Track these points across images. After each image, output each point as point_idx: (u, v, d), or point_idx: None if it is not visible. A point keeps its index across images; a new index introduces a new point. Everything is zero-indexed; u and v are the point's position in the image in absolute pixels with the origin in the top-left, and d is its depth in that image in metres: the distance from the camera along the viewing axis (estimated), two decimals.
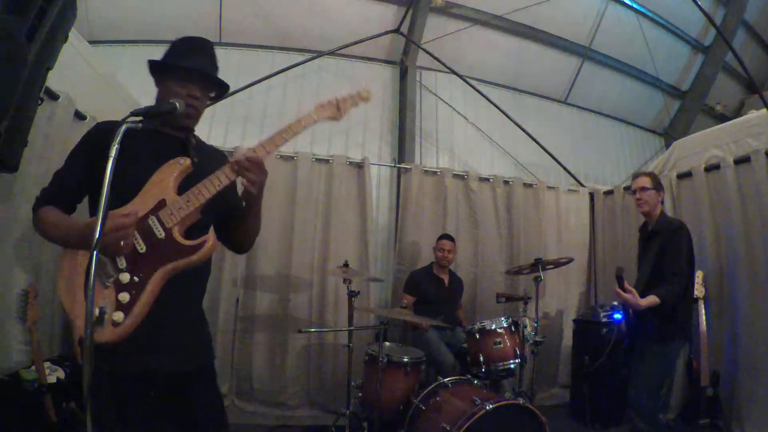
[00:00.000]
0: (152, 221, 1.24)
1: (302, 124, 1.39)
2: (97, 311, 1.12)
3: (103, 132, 1.31)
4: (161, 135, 1.37)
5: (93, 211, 1.31)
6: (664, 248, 2.38)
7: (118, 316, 1.15)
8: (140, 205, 1.25)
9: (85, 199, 1.39)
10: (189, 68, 1.35)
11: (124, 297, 1.17)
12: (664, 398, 2.41)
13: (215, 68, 1.44)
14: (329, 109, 1.46)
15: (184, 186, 1.30)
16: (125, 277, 1.19)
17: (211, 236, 1.27)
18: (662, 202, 2.59)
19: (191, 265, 1.24)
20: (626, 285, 2.25)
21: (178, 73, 1.35)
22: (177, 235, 1.24)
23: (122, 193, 1.23)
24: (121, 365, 1.19)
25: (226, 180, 1.29)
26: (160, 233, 1.23)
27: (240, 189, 1.43)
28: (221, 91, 1.47)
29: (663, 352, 2.35)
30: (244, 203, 1.43)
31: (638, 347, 2.45)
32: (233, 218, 1.47)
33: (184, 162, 1.31)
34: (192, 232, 1.29)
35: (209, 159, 1.41)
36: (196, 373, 1.36)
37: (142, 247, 1.22)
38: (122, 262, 1.20)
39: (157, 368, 1.26)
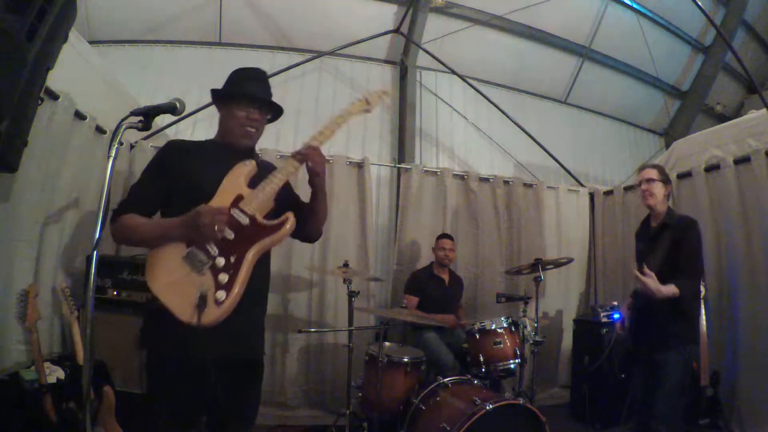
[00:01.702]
0: (235, 212, 1.38)
1: (345, 118, 1.60)
2: (198, 295, 1.25)
3: (175, 149, 1.53)
4: (227, 148, 1.55)
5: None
6: (678, 244, 2.26)
7: (221, 294, 1.28)
8: (220, 201, 1.39)
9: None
10: (248, 95, 1.53)
11: (224, 277, 1.30)
12: None
13: (269, 95, 1.61)
14: (361, 106, 1.66)
15: (252, 184, 1.45)
16: (220, 261, 1.32)
17: (290, 216, 1.41)
18: (668, 197, 2.46)
19: (276, 242, 1.40)
20: (646, 269, 2.14)
21: (238, 99, 1.53)
22: (260, 218, 1.39)
23: (199, 195, 1.39)
24: (182, 354, 1.31)
25: (293, 169, 1.48)
26: (245, 220, 1.38)
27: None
28: (277, 114, 1.65)
29: (683, 359, 2.23)
30: (311, 190, 1.60)
31: (656, 357, 2.25)
32: (301, 213, 1.59)
33: (251, 163, 1.48)
34: (268, 219, 1.43)
35: (266, 166, 1.61)
36: (252, 364, 1.54)
37: (230, 235, 1.35)
38: (214, 250, 1.33)
39: (218, 357, 1.35)
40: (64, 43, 1.97)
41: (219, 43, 5.04)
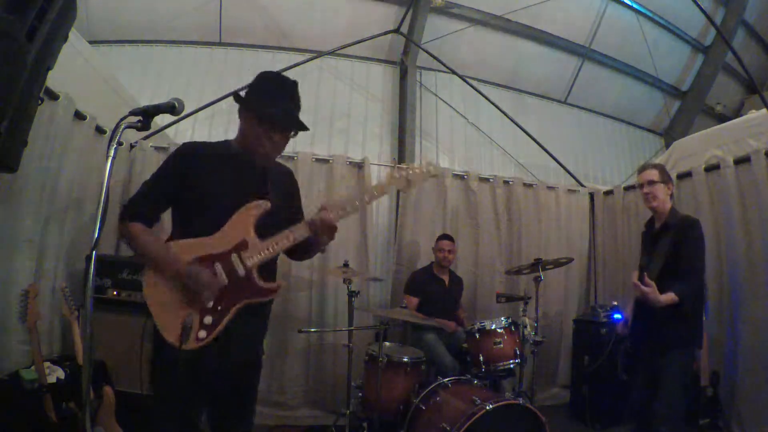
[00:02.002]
0: (235, 259, 1.42)
1: (374, 195, 1.54)
2: (185, 326, 1.34)
3: (189, 153, 1.51)
4: (243, 162, 1.50)
5: (176, 224, 1.50)
6: (678, 245, 2.22)
7: (203, 334, 1.37)
8: (223, 242, 1.42)
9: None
10: (277, 121, 1.47)
11: (208, 320, 1.38)
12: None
13: (298, 110, 1.54)
14: (400, 181, 1.57)
15: (260, 224, 1.45)
16: (209, 303, 1.39)
17: (282, 283, 1.50)
18: (672, 197, 2.40)
19: (262, 300, 1.47)
20: (646, 279, 2.09)
21: (265, 119, 1.46)
22: (255, 275, 1.43)
23: (203, 210, 1.42)
24: (187, 355, 1.36)
25: (302, 236, 1.47)
26: (241, 271, 1.42)
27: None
28: (300, 130, 1.56)
29: (684, 360, 2.21)
30: (311, 244, 1.57)
31: (658, 359, 2.22)
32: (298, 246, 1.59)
33: (264, 204, 1.46)
34: (265, 265, 1.47)
35: (280, 181, 1.59)
36: (250, 364, 1.57)
37: (224, 280, 1.40)
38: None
39: (222, 362, 1.42)
40: (64, 43, 1.97)
41: (219, 43, 5.05)
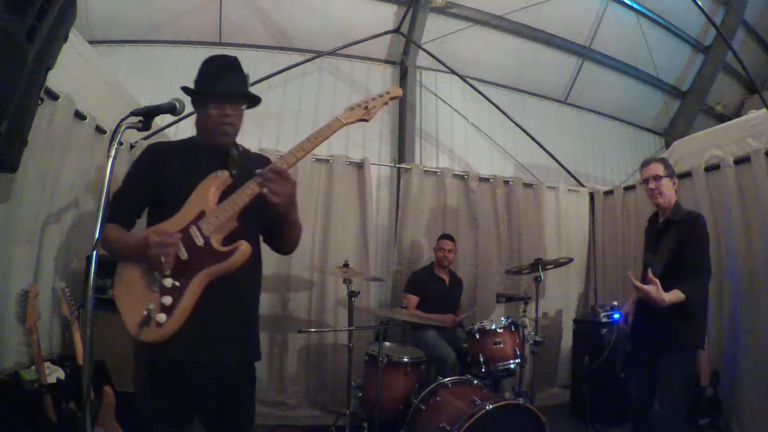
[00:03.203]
0: (193, 231, 1.36)
1: (332, 129, 1.44)
2: (144, 313, 1.27)
3: (154, 154, 1.51)
4: (206, 149, 1.49)
5: (151, 220, 1.47)
6: (683, 241, 2.16)
7: (161, 317, 1.28)
8: (183, 217, 1.37)
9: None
10: (217, 92, 1.43)
11: (167, 300, 1.30)
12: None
13: (245, 83, 1.50)
14: (358, 111, 1.49)
15: (224, 197, 1.40)
16: (168, 282, 1.31)
17: (243, 242, 1.35)
18: (676, 191, 2.30)
19: (228, 269, 1.34)
20: (650, 275, 2.00)
21: (210, 98, 1.44)
22: (215, 242, 1.35)
23: (172, 204, 1.39)
24: (165, 356, 1.32)
25: (252, 192, 1.36)
26: (200, 241, 1.35)
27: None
28: (253, 103, 1.53)
29: (684, 362, 2.16)
30: (276, 215, 1.47)
31: (658, 361, 2.16)
32: (275, 225, 1.56)
33: (223, 174, 1.41)
34: (233, 239, 1.37)
35: (252, 167, 1.47)
36: (238, 370, 1.47)
37: (184, 255, 1.33)
38: (167, 269, 1.32)
39: (199, 360, 1.36)
40: (64, 43, 1.97)
41: (219, 43, 5.04)
